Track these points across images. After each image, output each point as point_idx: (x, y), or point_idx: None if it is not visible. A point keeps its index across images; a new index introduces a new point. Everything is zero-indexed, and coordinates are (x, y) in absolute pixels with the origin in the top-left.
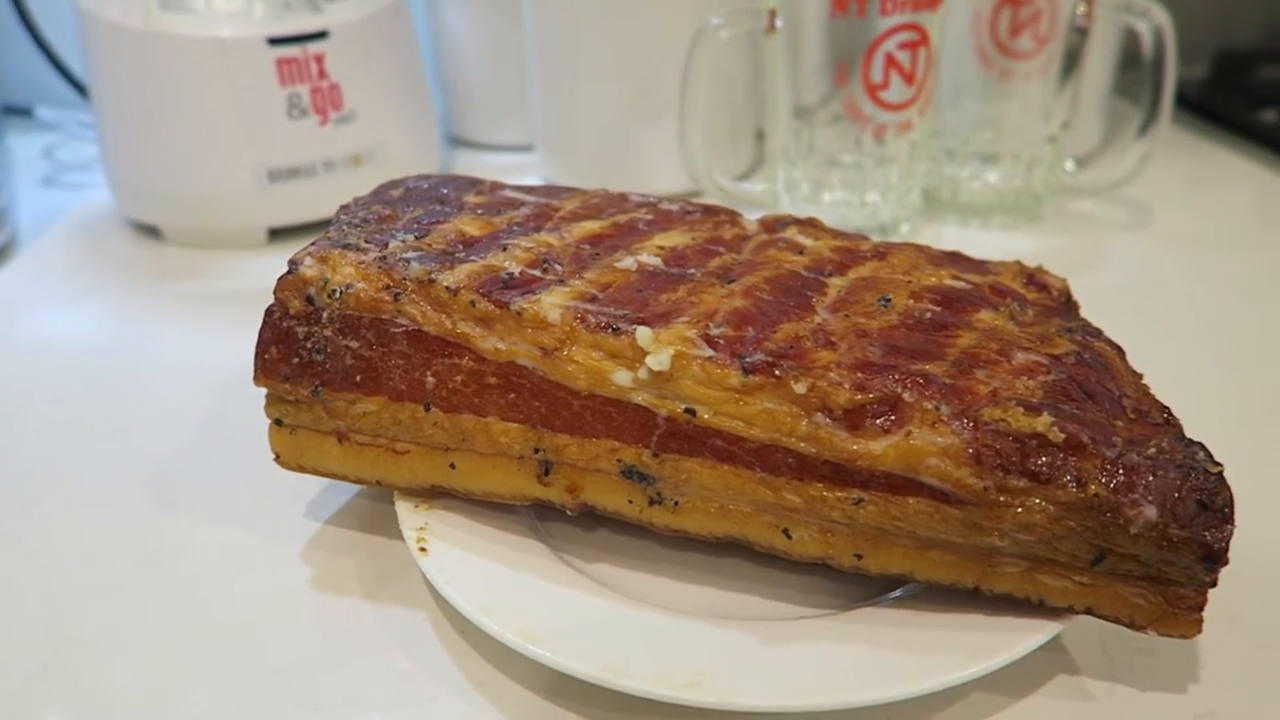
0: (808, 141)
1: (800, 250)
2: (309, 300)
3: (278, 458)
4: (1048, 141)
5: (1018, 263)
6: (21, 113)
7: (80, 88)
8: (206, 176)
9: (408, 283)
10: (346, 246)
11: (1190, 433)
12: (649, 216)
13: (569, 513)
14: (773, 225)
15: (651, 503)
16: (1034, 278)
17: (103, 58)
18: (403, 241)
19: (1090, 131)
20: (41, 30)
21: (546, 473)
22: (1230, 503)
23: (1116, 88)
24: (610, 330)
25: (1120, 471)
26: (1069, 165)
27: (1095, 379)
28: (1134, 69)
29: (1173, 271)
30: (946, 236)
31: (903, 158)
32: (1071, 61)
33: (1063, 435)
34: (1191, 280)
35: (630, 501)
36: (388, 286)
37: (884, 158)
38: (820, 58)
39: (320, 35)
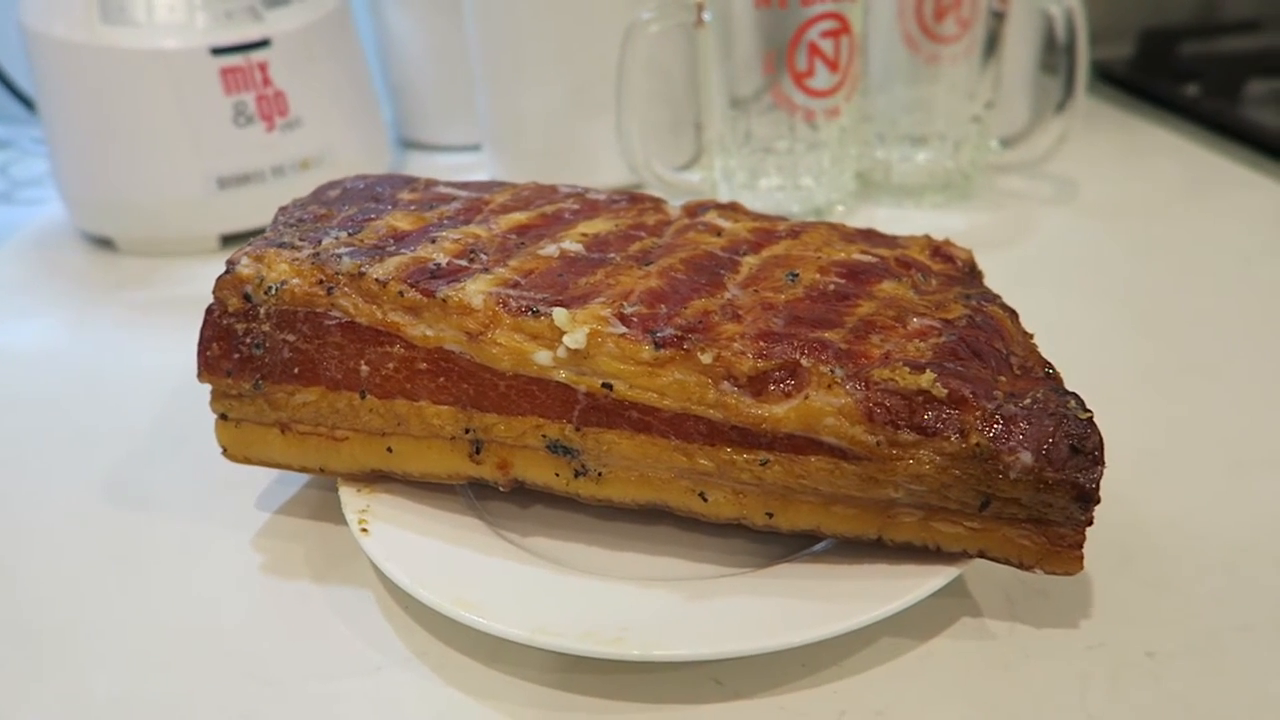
0: (744, 130)
1: (719, 232)
2: (246, 298)
3: (225, 451)
4: (973, 121)
5: (926, 236)
6: None
7: (29, 103)
8: (157, 187)
9: (340, 277)
10: (282, 245)
11: (1099, 389)
12: (575, 206)
13: (501, 489)
14: (695, 210)
15: (577, 475)
16: (940, 250)
17: (49, 73)
18: (336, 238)
19: (1018, 110)
20: None
21: (478, 451)
22: (1100, 446)
23: (1044, 66)
24: (530, 313)
25: (999, 421)
26: (994, 144)
27: (984, 339)
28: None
29: (1095, 242)
30: (880, 217)
31: (833, 142)
32: (991, 44)
33: (945, 390)
34: (1112, 249)
35: (557, 475)
36: (321, 281)
37: (816, 143)
38: (750, 48)
39: (263, 44)
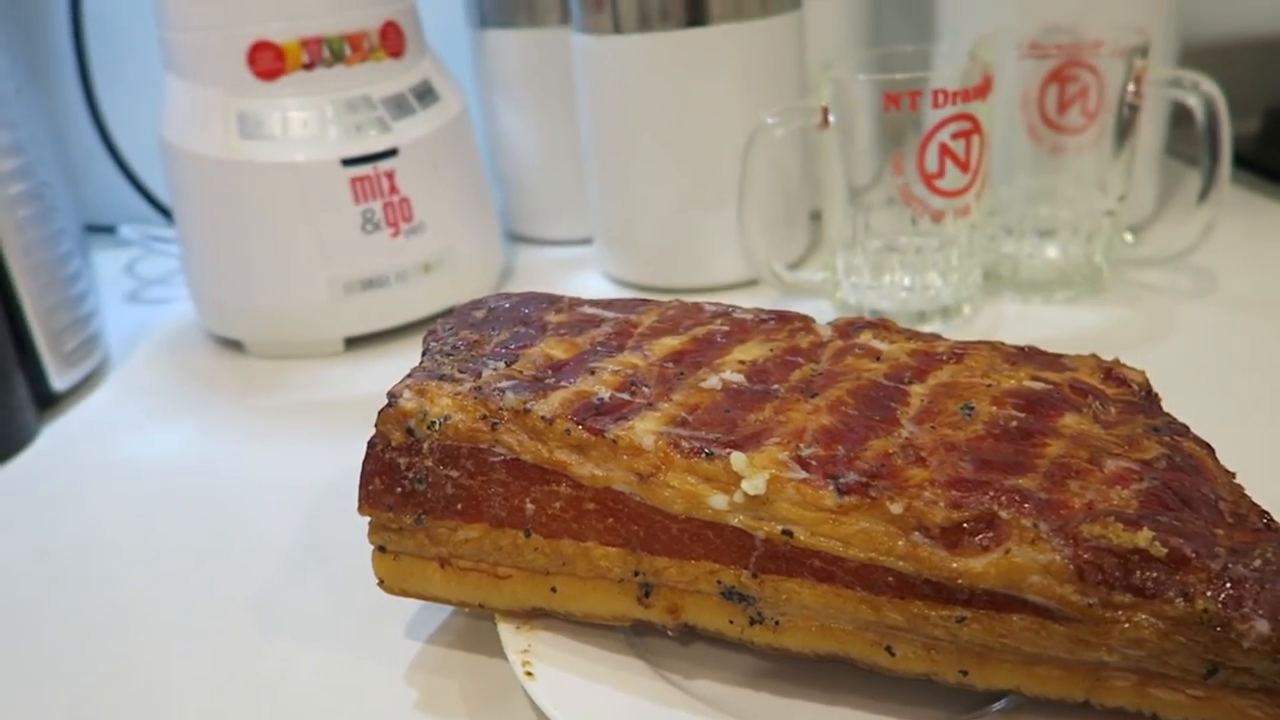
0: (864, 226)
1: (877, 356)
2: (409, 432)
3: (381, 583)
4: (1106, 215)
5: (1094, 356)
6: (102, 230)
7: (160, 208)
8: (286, 292)
9: (504, 412)
10: (442, 377)
11: None
12: (725, 328)
13: (669, 633)
14: (846, 330)
15: (752, 623)
16: (1112, 372)
17: (186, 184)
18: (495, 370)
19: (1145, 197)
20: (123, 153)
21: (647, 595)
22: None
23: (1167, 147)
24: (704, 455)
25: (1228, 584)
26: (1128, 237)
27: (1189, 483)
28: (1183, 126)
29: (1245, 339)
30: (1008, 314)
31: (962, 240)
32: (1123, 136)
33: (1165, 549)
34: (1266, 347)
35: (731, 622)
36: (484, 417)
37: (944, 241)
38: (875, 150)
39: (390, 153)
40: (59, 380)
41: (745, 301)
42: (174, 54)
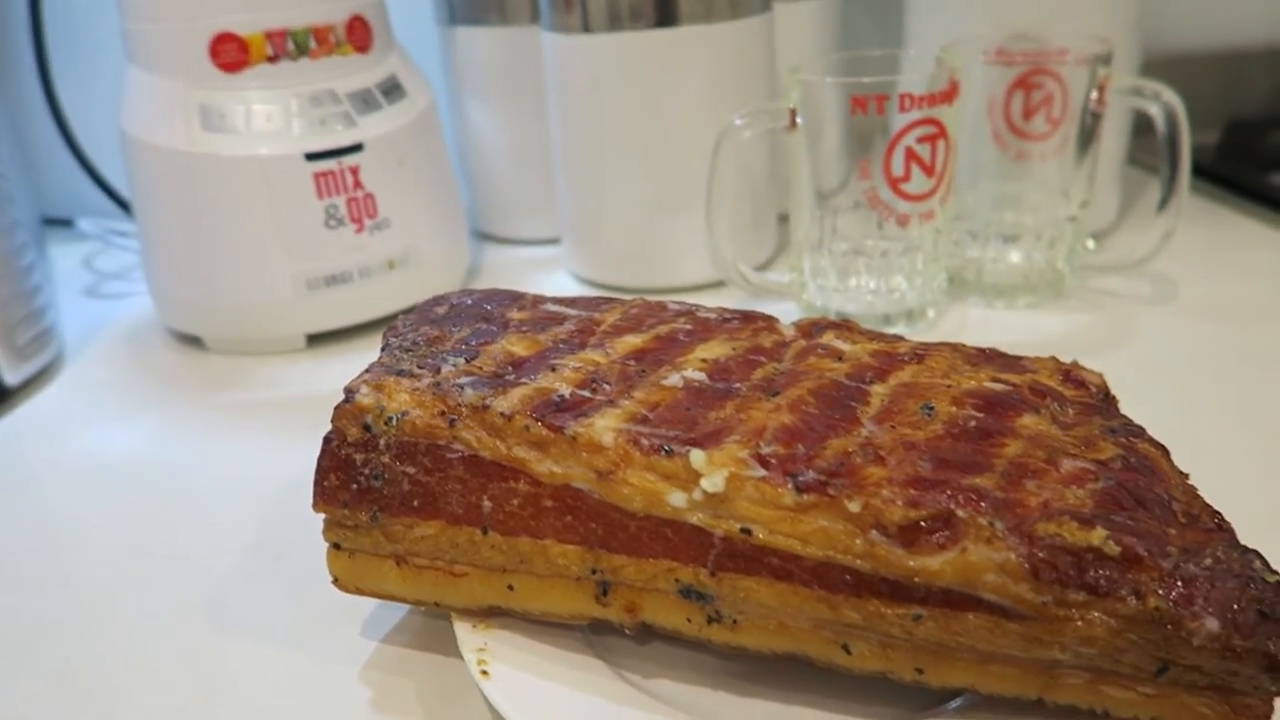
0: (831, 228)
1: (839, 356)
2: (366, 428)
3: (336, 580)
4: (1068, 221)
5: (1053, 359)
6: (60, 223)
7: (120, 201)
8: (248, 288)
9: (462, 408)
10: (400, 373)
11: (1240, 522)
12: (688, 326)
13: (627, 632)
14: (809, 330)
15: (710, 621)
16: (1071, 374)
17: (147, 177)
18: (454, 366)
19: (1107, 205)
20: (83, 145)
21: (604, 593)
22: None
23: (1129, 156)
24: (663, 452)
25: (1179, 583)
26: (1090, 244)
27: (1143, 484)
28: (1146, 136)
29: (1202, 344)
30: (972, 318)
31: (927, 244)
32: (1086, 143)
33: (1118, 548)
34: (1224, 353)
35: (689, 620)
36: (443, 413)
37: (909, 245)
38: (842, 153)
39: (355, 148)
40: (10, 374)
41: (712, 303)
42: (135, 45)
